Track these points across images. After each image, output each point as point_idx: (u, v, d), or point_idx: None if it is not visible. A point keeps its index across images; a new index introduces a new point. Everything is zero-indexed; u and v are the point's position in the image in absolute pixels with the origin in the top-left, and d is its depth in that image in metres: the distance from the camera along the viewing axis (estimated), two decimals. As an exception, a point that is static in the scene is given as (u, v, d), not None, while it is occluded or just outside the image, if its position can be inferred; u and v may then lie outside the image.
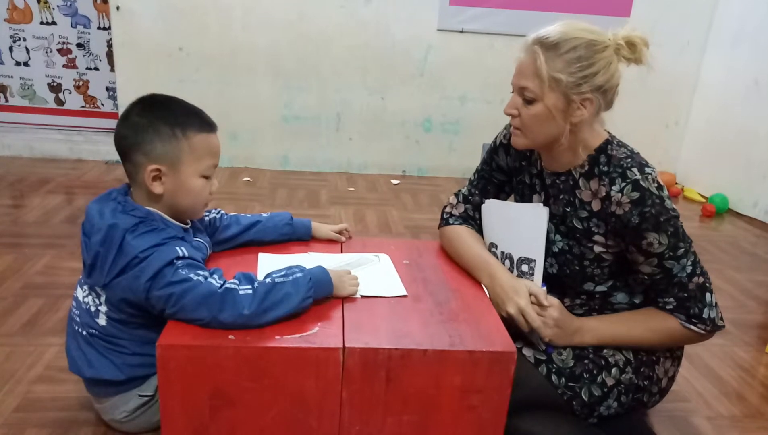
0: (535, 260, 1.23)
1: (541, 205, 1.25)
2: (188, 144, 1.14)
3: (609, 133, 1.24)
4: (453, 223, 1.43)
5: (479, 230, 1.42)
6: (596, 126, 1.21)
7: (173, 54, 3.37)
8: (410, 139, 3.71)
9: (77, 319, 1.23)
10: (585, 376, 1.21)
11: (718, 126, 3.55)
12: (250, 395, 1.02)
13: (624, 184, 1.13)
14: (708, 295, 1.19)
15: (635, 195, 1.13)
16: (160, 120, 1.13)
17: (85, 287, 1.21)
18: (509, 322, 1.37)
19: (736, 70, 3.42)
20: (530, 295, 1.18)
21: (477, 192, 1.44)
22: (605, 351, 1.23)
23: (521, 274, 1.26)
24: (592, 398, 1.20)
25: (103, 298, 1.17)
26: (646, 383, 1.25)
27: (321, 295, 1.11)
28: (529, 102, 1.16)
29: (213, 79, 3.43)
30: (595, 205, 1.19)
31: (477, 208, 1.42)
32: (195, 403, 1.02)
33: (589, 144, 1.20)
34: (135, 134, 1.13)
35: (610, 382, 1.21)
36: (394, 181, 3.59)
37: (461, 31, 3.51)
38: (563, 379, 1.20)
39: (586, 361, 1.22)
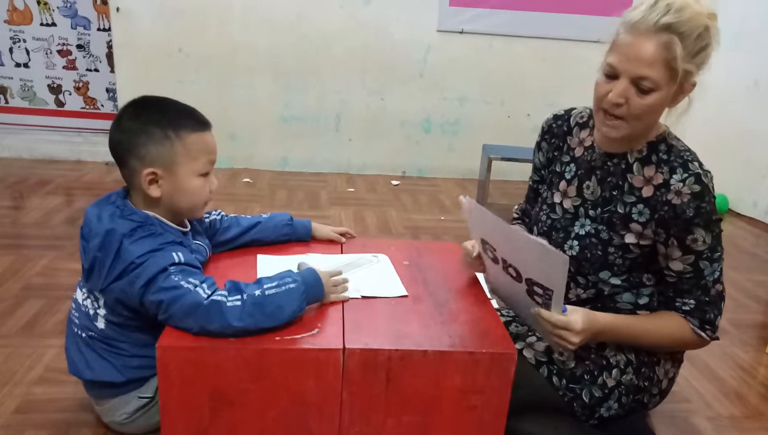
0: (553, 290, 1.07)
1: (563, 254, 1.03)
2: (182, 145, 1.13)
3: (667, 126, 1.22)
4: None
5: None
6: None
7: (173, 55, 3.37)
8: (410, 139, 3.71)
9: (77, 321, 1.22)
10: (586, 377, 1.20)
11: (718, 126, 3.55)
12: (250, 396, 1.02)
13: (686, 175, 1.12)
14: (722, 304, 1.19)
15: (696, 188, 1.11)
16: (151, 123, 1.12)
17: (84, 290, 1.20)
18: (509, 323, 1.37)
19: (736, 70, 3.42)
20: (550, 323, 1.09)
21: (523, 202, 1.51)
22: (607, 351, 1.23)
23: (533, 292, 1.11)
24: (593, 399, 1.20)
25: (101, 302, 1.16)
26: (646, 384, 1.24)
27: (313, 302, 1.10)
28: (645, 92, 1.08)
29: (212, 80, 3.43)
30: (647, 192, 1.17)
31: (528, 215, 1.48)
32: (195, 404, 1.02)
33: (652, 130, 1.18)
34: (128, 139, 1.12)
35: (610, 383, 1.21)
36: (394, 182, 3.59)
37: (461, 32, 3.51)
38: (564, 380, 1.19)
39: (587, 362, 1.22)
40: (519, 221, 1.51)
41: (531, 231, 1.39)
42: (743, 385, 1.75)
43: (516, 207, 1.55)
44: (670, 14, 1.05)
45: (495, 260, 1.20)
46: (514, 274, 1.15)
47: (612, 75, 1.12)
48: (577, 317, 1.08)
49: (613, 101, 1.11)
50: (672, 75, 1.07)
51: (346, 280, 1.19)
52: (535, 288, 1.09)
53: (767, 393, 1.73)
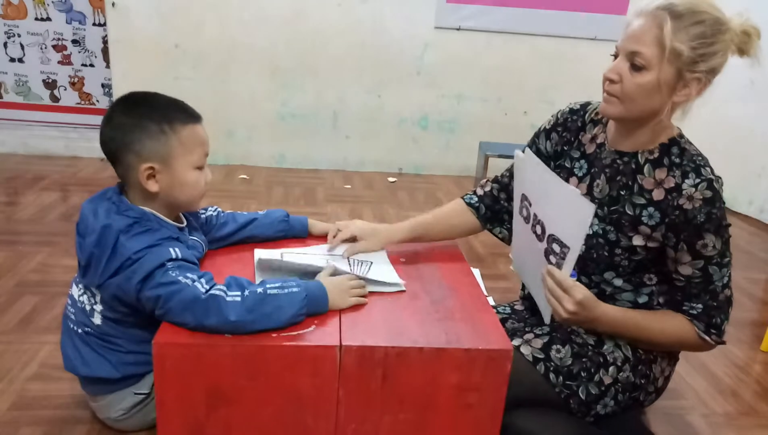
0: (569, 248, 1.08)
1: (591, 203, 1.04)
2: (177, 138, 1.13)
3: (680, 128, 1.22)
4: (464, 198, 1.47)
5: (493, 213, 1.43)
6: (677, 114, 1.18)
7: (169, 51, 3.35)
8: (407, 137, 3.71)
9: (72, 317, 1.22)
10: (582, 374, 1.21)
11: (714, 125, 3.55)
12: (246, 393, 1.02)
13: (699, 180, 1.12)
14: (730, 309, 1.19)
15: (708, 193, 1.11)
16: (145, 117, 1.11)
17: (80, 286, 1.20)
18: (505, 320, 1.37)
19: (732, 70, 3.42)
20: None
21: (508, 174, 1.42)
22: (604, 348, 1.23)
23: (551, 250, 1.12)
24: (590, 397, 1.20)
25: (98, 298, 1.16)
26: (643, 382, 1.25)
27: (315, 313, 1.08)
28: (637, 69, 1.10)
29: (209, 77, 3.42)
30: (657, 195, 1.16)
31: (504, 189, 1.42)
32: (191, 401, 1.01)
33: (665, 131, 1.18)
34: (122, 135, 1.11)
35: (607, 380, 1.21)
36: (391, 179, 3.59)
37: (458, 29, 3.51)
38: (560, 377, 1.20)
39: (584, 359, 1.22)
40: (475, 200, 1.45)
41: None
42: (738, 383, 1.76)
43: (484, 180, 1.48)
44: None
45: (527, 219, 1.19)
46: (539, 232, 1.14)
47: (616, 55, 1.15)
48: (580, 288, 1.09)
49: (607, 76, 1.15)
50: (662, 52, 1.08)
51: (363, 285, 1.17)
52: (554, 246, 1.10)
53: (762, 390, 1.74)
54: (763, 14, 3.29)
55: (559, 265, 1.10)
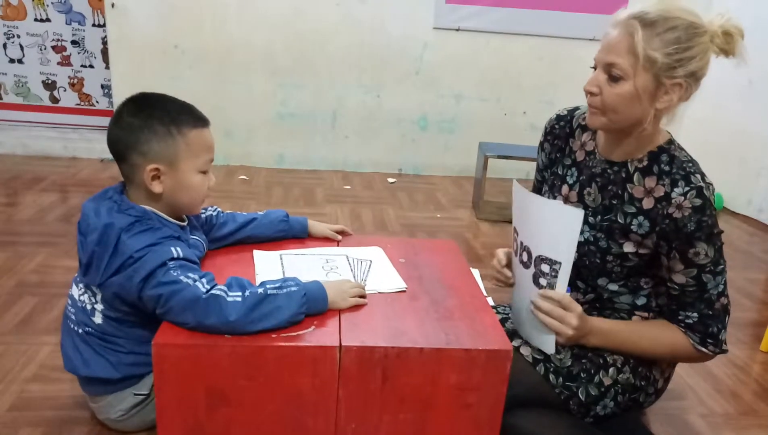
0: (560, 263, 1.10)
1: (581, 208, 1.09)
2: (185, 141, 1.13)
3: (670, 133, 1.21)
4: None
5: None
6: (662, 121, 1.17)
7: (168, 51, 3.35)
8: (406, 137, 3.71)
9: (73, 317, 1.22)
10: (582, 375, 1.21)
11: (712, 125, 3.56)
12: (246, 394, 1.02)
13: (688, 188, 1.11)
14: (727, 318, 1.18)
15: (698, 202, 1.10)
16: (154, 119, 1.12)
17: (81, 286, 1.20)
18: (504, 321, 1.37)
19: (730, 70, 3.42)
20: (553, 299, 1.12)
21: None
22: (603, 350, 1.23)
23: (540, 273, 1.15)
24: (589, 398, 1.20)
25: (99, 297, 1.16)
26: (642, 383, 1.25)
27: (314, 312, 1.08)
28: (615, 80, 1.10)
29: (208, 77, 3.42)
30: (647, 203, 1.16)
31: None
32: (191, 401, 1.02)
33: (654, 139, 1.18)
34: (130, 135, 1.12)
35: (607, 381, 1.21)
36: (390, 180, 3.59)
37: (457, 29, 3.51)
38: (560, 378, 1.20)
39: (584, 361, 1.22)
40: None
41: None
42: (737, 383, 1.76)
43: None
44: (639, 8, 1.09)
45: (516, 251, 1.21)
46: (526, 259, 1.16)
47: (595, 68, 1.16)
48: (576, 302, 1.11)
49: (587, 89, 1.15)
50: (636, 61, 1.08)
51: (361, 286, 1.17)
52: (543, 266, 1.11)
53: (761, 390, 1.74)
54: (759, 13, 3.28)
55: (551, 285, 1.10)
